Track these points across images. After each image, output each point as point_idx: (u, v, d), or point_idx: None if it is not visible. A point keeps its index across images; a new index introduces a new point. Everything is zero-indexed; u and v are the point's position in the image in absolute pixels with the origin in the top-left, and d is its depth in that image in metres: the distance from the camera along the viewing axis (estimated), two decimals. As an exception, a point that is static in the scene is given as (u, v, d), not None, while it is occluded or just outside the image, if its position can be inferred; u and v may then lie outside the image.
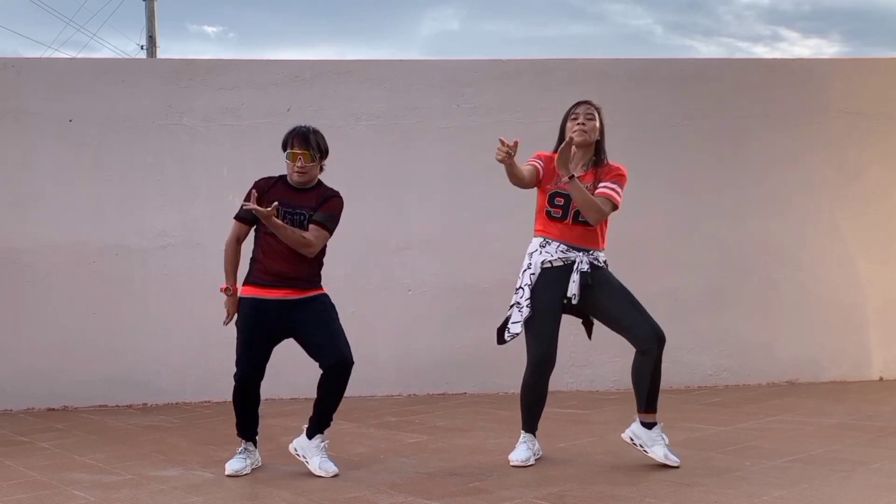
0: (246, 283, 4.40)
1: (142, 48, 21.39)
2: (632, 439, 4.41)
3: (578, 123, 4.39)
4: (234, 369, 6.69)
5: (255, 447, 4.51)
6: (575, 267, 4.32)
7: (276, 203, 4.20)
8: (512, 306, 4.42)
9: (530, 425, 4.52)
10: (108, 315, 6.46)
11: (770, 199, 6.94)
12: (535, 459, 4.47)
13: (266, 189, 4.36)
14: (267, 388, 6.52)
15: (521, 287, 4.40)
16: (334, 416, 4.42)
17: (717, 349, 6.88)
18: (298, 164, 4.33)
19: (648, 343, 4.27)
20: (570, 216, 4.36)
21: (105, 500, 3.95)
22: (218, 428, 5.58)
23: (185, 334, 6.51)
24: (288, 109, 6.65)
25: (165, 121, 6.58)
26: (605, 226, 4.47)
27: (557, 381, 6.73)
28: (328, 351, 4.27)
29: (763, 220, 6.93)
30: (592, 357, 6.67)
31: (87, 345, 6.41)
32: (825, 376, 6.95)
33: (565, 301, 4.34)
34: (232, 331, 6.57)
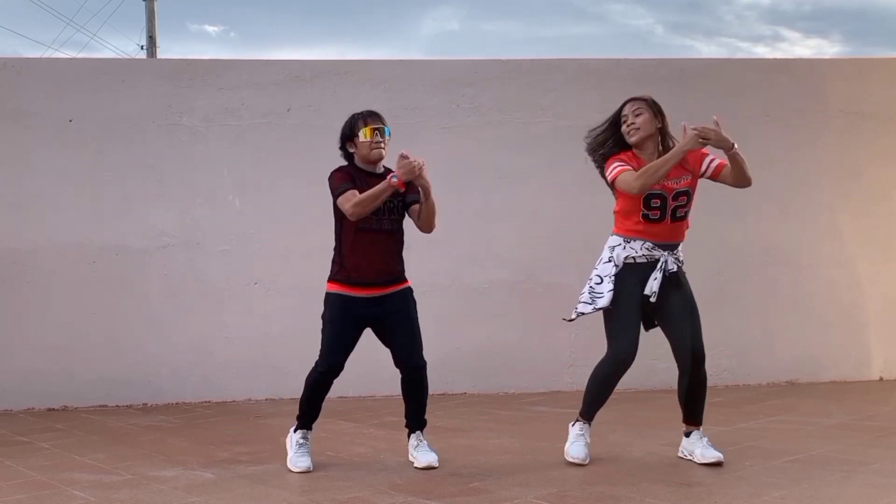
0: (335, 280, 4.37)
1: (142, 48, 21.41)
2: (682, 452, 4.44)
3: (630, 125, 4.36)
4: (234, 369, 6.70)
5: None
6: (659, 265, 4.28)
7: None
8: (585, 290, 4.37)
9: (589, 413, 4.50)
10: (109, 315, 6.46)
11: (770, 199, 6.94)
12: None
13: (353, 178, 4.29)
14: (267, 388, 6.57)
15: (600, 276, 4.32)
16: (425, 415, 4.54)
17: (717, 349, 6.85)
18: (377, 137, 4.32)
19: (684, 362, 4.28)
20: (668, 216, 4.32)
21: (105, 500, 3.95)
22: (218, 428, 5.59)
23: (185, 334, 6.51)
24: (288, 109, 6.65)
25: (165, 121, 6.58)
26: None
27: (557, 381, 6.76)
28: (403, 355, 4.39)
29: (763, 220, 6.93)
30: (592, 357, 6.63)
31: (87, 345, 6.41)
32: (825, 376, 6.95)
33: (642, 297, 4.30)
34: (232, 330, 6.59)
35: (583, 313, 4.37)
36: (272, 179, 6.62)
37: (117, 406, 6.45)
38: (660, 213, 4.31)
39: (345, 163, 4.46)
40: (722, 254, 6.91)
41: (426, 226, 4.43)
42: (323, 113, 6.63)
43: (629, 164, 4.29)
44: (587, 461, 4.36)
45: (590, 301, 4.34)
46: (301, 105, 6.65)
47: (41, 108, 6.46)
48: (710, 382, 6.73)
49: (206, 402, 6.51)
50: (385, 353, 6.62)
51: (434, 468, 4.33)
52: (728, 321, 6.88)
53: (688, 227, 4.47)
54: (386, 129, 4.41)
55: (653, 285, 4.26)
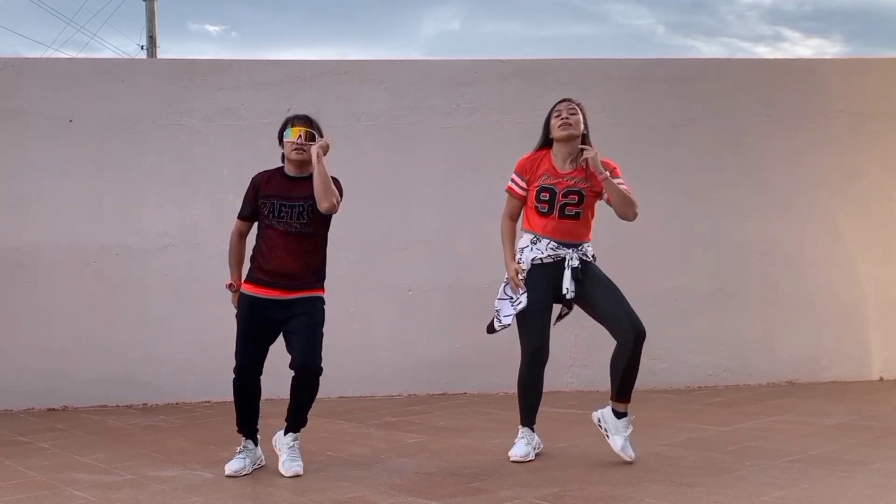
0: (246, 280, 4.42)
1: (142, 48, 21.40)
2: (599, 421, 4.53)
3: (563, 119, 4.47)
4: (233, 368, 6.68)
5: (256, 445, 4.50)
6: (566, 263, 4.41)
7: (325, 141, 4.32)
8: (502, 299, 4.55)
9: (528, 419, 4.60)
10: (109, 315, 6.46)
11: (770, 199, 6.94)
12: (536, 454, 4.53)
13: (264, 182, 4.40)
14: (267, 389, 6.55)
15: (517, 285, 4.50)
16: (309, 417, 4.50)
17: (717, 349, 6.88)
18: (298, 139, 4.32)
19: (626, 335, 4.32)
20: (556, 211, 4.45)
21: (105, 500, 3.95)
22: (218, 428, 5.59)
23: (185, 334, 6.51)
24: (288, 109, 6.62)
25: (165, 121, 6.58)
26: (593, 216, 4.56)
27: (557, 381, 6.75)
28: (294, 355, 4.31)
29: (763, 221, 6.93)
30: (592, 357, 6.67)
31: (87, 345, 6.41)
32: (825, 376, 6.95)
33: (559, 296, 4.44)
34: (232, 330, 6.57)
35: (507, 325, 4.52)
36: (272, 179, 6.61)
37: (117, 406, 6.45)
38: (547, 206, 4.45)
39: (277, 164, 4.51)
40: (722, 254, 6.91)
41: (326, 198, 4.28)
42: (323, 113, 6.59)
43: (516, 187, 4.58)
44: (530, 457, 4.45)
45: (510, 311, 4.49)
46: (301, 105, 6.62)
47: (41, 108, 6.46)
48: (710, 382, 6.85)
49: (206, 402, 6.51)
50: (385, 353, 6.65)
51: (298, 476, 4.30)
52: (728, 321, 6.88)
53: (590, 230, 4.54)
54: (311, 132, 4.37)
55: (566, 284, 4.38)
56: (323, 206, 4.22)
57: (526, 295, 4.44)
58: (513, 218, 4.62)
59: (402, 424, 5.59)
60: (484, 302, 6.70)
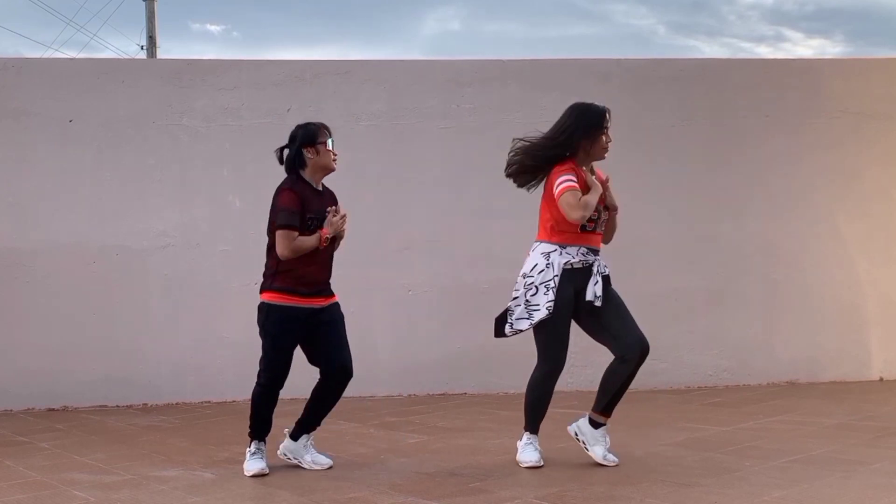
0: (274, 290, 4.32)
1: (142, 48, 21.39)
2: (576, 434, 4.46)
3: (608, 142, 4.39)
4: (234, 369, 6.69)
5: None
6: (595, 269, 4.30)
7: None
8: (518, 303, 4.35)
9: (535, 426, 4.47)
10: (108, 315, 6.46)
11: (770, 199, 6.94)
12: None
13: (307, 198, 4.33)
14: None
15: (536, 285, 4.30)
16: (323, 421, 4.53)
17: (717, 349, 6.88)
18: (334, 150, 4.40)
19: (632, 351, 4.25)
20: (600, 226, 4.41)
21: (105, 500, 3.95)
22: (218, 428, 5.59)
23: (185, 334, 6.51)
24: (288, 109, 6.65)
25: (165, 121, 6.58)
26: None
27: (558, 380, 6.74)
28: (335, 357, 4.36)
29: (763, 221, 6.93)
30: (593, 357, 6.65)
31: (87, 345, 6.41)
32: (825, 376, 6.95)
33: (579, 303, 4.32)
34: (231, 330, 6.59)
35: (520, 330, 4.37)
36: (272, 179, 6.57)
37: (117, 406, 6.45)
38: (594, 224, 4.37)
39: (281, 172, 4.49)
40: (722, 254, 6.91)
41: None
42: (324, 113, 6.61)
43: (576, 182, 4.28)
44: (541, 463, 4.36)
45: (527, 315, 4.32)
46: (301, 105, 6.64)
47: (41, 108, 6.46)
48: (710, 382, 6.85)
49: (206, 402, 6.51)
50: (385, 353, 6.65)
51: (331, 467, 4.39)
52: (728, 321, 6.88)
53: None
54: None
55: (595, 290, 4.27)
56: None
57: (552, 303, 4.24)
58: None
59: (402, 424, 5.59)
60: (484, 302, 6.71)
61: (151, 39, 19.84)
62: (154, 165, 6.56)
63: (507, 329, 4.40)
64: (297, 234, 4.24)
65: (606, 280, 4.37)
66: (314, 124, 4.45)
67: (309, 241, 4.27)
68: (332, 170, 4.43)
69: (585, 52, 36.72)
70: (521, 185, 4.56)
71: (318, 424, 4.53)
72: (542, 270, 4.30)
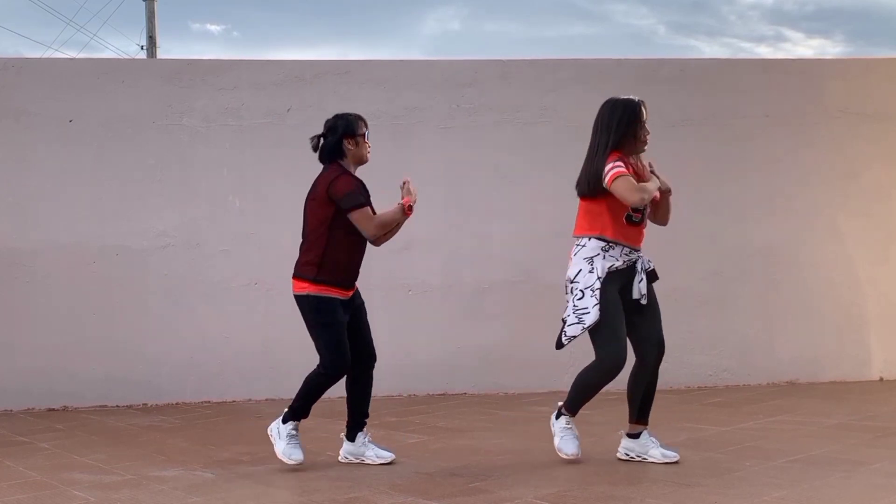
0: (322, 283, 4.36)
1: (142, 48, 21.39)
2: (627, 454, 4.43)
3: (647, 134, 4.39)
4: (234, 369, 6.70)
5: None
6: (638, 267, 4.33)
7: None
8: (569, 311, 4.33)
9: (575, 410, 4.49)
10: (108, 315, 6.46)
11: (770, 199, 6.94)
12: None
13: (362, 188, 4.45)
14: (267, 388, 6.57)
15: (581, 290, 4.27)
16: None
17: (717, 349, 6.88)
18: (370, 144, 4.49)
19: (650, 355, 4.31)
20: (645, 219, 4.40)
21: (105, 500, 3.96)
22: (218, 428, 5.59)
23: (185, 334, 6.51)
24: (288, 109, 6.65)
25: (165, 121, 6.58)
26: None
27: (557, 381, 6.74)
28: (370, 347, 4.55)
29: (763, 220, 6.93)
30: (592, 357, 6.66)
31: (87, 345, 6.41)
32: (825, 376, 6.95)
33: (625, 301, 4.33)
34: (232, 330, 6.59)
35: (574, 336, 4.34)
36: (272, 179, 6.62)
37: (117, 406, 6.45)
38: (641, 214, 4.35)
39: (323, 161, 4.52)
40: (722, 254, 6.91)
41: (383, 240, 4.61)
42: (323, 113, 6.55)
43: (624, 168, 4.26)
44: (580, 455, 4.36)
45: (577, 321, 4.29)
46: (301, 105, 6.65)
47: (41, 108, 6.46)
48: (710, 382, 6.85)
49: (206, 402, 6.51)
50: (385, 353, 6.62)
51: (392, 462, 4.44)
52: (728, 321, 6.88)
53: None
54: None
55: (640, 288, 4.30)
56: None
57: (598, 308, 4.22)
58: None
59: (402, 424, 5.58)
60: (484, 302, 6.73)
61: (151, 39, 19.84)
62: (154, 165, 6.56)
63: (564, 339, 4.37)
64: (371, 211, 4.40)
65: (651, 275, 4.40)
66: (352, 115, 4.49)
67: (391, 213, 4.43)
68: (367, 161, 4.50)
69: (585, 52, 36.74)
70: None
71: (367, 416, 4.58)
72: (588, 273, 4.29)
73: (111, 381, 6.46)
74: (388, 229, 4.45)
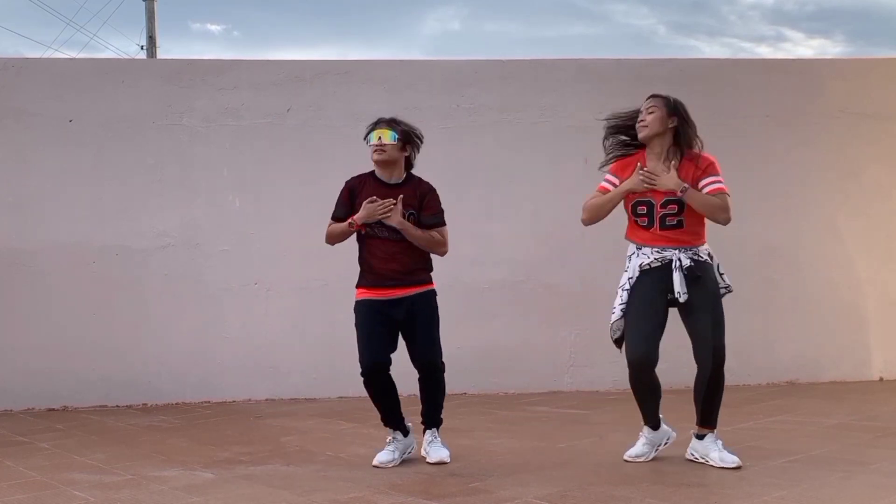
0: (359, 285, 4.47)
1: (142, 48, 21.39)
2: (692, 454, 4.38)
3: (640, 121, 4.33)
4: (234, 369, 6.70)
5: (406, 435, 4.60)
6: (674, 265, 4.20)
7: (397, 200, 4.37)
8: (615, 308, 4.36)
9: (647, 419, 4.42)
10: (108, 315, 6.46)
11: (770, 198, 6.94)
12: (657, 451, 4.42)
13: (358, 187, 4.45)
14: (267, 388, 6.57)
15: (618, 290, 4.33)
16: (441, 414, 4.75)
17: (717, 349, 6.86)
18: (376, 142, 4.40)
19: (702, 359, 4.21)
20: (656, 224, 4.25)
21: (105, 500, 3.95)
22: (218, 428, 5.59)
23: (185, 334, 6.51)
24: (288, 109, 6.65)
25: (165, 121, 6.58)
26: (702, 222, 4.33)
27: (557, 381, 6.76)
28: (418, 354, 4.57)
29: (763, 220, 6.93)
30: (592, 357, 6.67)
31: (87, 345, 6.41)
32: (825, 376, 6.95)
33: (670, 299, 4.23)
34: (232, 330, 6.59)
35: (618, 331, 4.32)
36: (272, 179, 6.62)
37: (117, 406, 6.45)
38: (647, 219, 4.27)
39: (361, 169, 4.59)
40: (722, 254, 6.85)
41: (431, 253, 4.60)
42: (323, 113, 6.63)
43: (607, 185, 4.36)
44: (641, 458, 4.36)
45: (611, 320, 4.33)
46: (301, 105, 6.65)
47: (41, 108, 6.46)
48: (710, 382, 6.82)
49: (206, 402, 6.51)
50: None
51: (445, 463, 4.42)
52: (728, 321, 6.83)
53: (701, 235, 4.33)
54: (391, 133, 4.43)
55: (678, 286, 4.17)
56: (440, 255, 4.61)
57: (624, 305, 4.25)
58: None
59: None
60: (484, 302, 6.72)
61: (151, 39, 19.83)
62: (154, 165, 6.56)
63: (612, 335, 4.37)
64: (334, 222, 4.46)
65: (692, 272, 4.19)
66: (370, 125, 4.53)
67: (338, 227, 4.44)
68: (378, 161, 4.47)
69: (585, 52, 36.72)
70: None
71: (437, 418, 4.68)
72: (624, 272, 4.32)
73: (111, 382, 6.46)
74: (332, 240, 4.51)
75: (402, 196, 4.39)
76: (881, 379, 7.01)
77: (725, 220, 4.28)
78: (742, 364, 6.88)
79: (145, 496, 4.00)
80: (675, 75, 6.94)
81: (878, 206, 7.03)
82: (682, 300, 4.16)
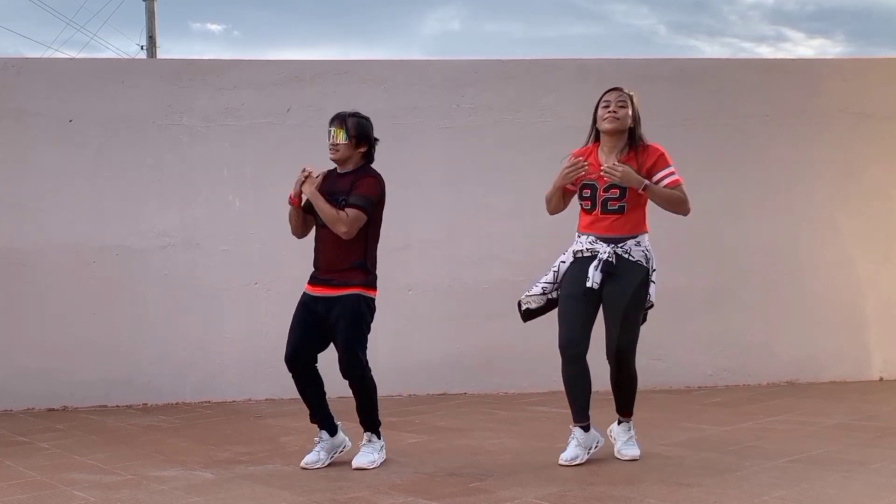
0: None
1: (142, 48, 21.40)
2: (609, 433, 4.60)
3: (610, 111, 4.33)
4: (234, 369, 6.71)
5: (333, 434, 4.54)
6: (598, 257, 4.31)
7: (310, 170, 4.38)
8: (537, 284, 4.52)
9: (575, 417, 4.47)
10: (108, 315, 6.45)
11: (770, 198, 6.94)
12: (590, 454, 4.43)
13: (322, 180, 4.50)
14: (267, 388, 6.57)
15: (550, 269, 4.49)
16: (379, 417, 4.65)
17: (717, 349, 6.87)
18: (331, 140, 4.43)
19: (609, 358, 4.41)
20: (598, 207, 4.36)
21: (105, 500, 3.95)
22: (218, 428, 5.59)
23: (184, 334, 6.51)
24: (288, 109, 6.65)
25: (165, 121, 6.58)
26: (643, 208, 4.42)
27: (557, 381, 6.71)
28: (339, 361, 4.47)
29: (763, 220, 6.93)
30: (592, 357, 6.64)
31: (87, 345, 6.41)
32: (825, 376, 6.95)
33: (587, 289, 4.31)
34: (232, 330, 6.60)
35: (522, 304, 4.55)
36: (272, 179, 6.61)
37: (117, 406, 6.45)
38: (590, 203, 4.38)
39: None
40: (722, 254, 6.91)
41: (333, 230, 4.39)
42: (323, 113, 6.59)
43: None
44: (577, 460, 4.36)
45: (527, 291, 4.54)
46: (301, 105, 6.65)
47: (41, 108, 6.46)
48: (710, 382, 6.85)
49: (206, 402, 6.51)
50: (385, 354, 6.63)
51: (365, 469, 4.36)
52: (728, 321, 6.88)
53: (639, 224, 4.42)
54: (344, 132, 4.44)
55: (592, 276, 4.29)
56: (346, 237, 4.36)
57: (547, 285, 4.46)
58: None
59: (402, 424, 5.58)
60: (484, 302, 6.72)
61: (151, 39, 19.84)
62: (154, 165, 6.56)
63: (521, 308, 4.56)
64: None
65: (606, 267, 4.27)
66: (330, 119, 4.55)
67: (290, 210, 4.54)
68: (332, 159, 4.50)
69: (585, 52, 36.74)
70: None
71: (371, 422, 4.60)
72: (561, 255, 4.49)
73: (111, 382, 6.46)
74: (292, 226, 4.61)
75: (313, 167, 4.41)
76: (881, 379, 7.01)
77: (686, 212, 4.45)
78: (742, 364, 6.90)
79: (145, 496, 4.00)
80: (675, 75, 6.95)
81: (877, 206, 7.03)
82: (590, 285, 4.27)
